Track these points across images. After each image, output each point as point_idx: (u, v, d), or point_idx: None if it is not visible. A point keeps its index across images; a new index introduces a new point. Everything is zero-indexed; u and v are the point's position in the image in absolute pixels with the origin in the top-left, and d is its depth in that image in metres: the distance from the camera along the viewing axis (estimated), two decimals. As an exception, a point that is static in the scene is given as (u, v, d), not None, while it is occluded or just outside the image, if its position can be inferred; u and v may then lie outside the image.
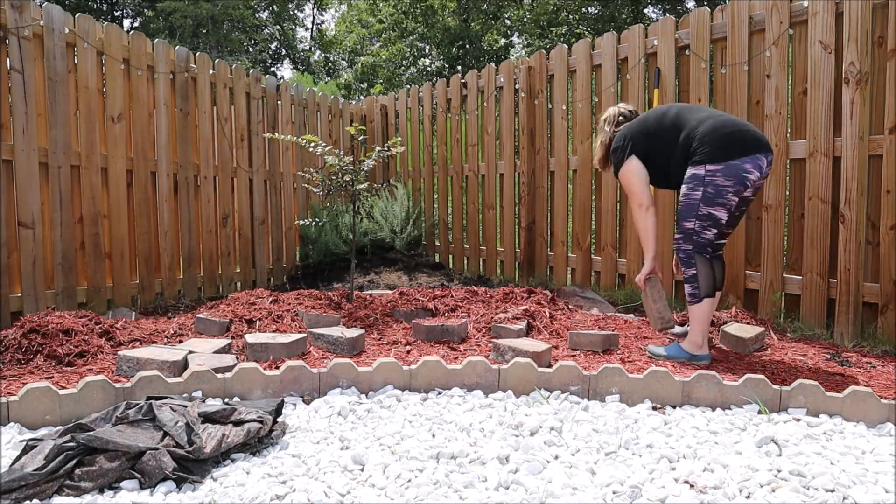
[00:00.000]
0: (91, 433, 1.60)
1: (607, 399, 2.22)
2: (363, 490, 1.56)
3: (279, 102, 5.06)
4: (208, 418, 1.78)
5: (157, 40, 4.08)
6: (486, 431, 1.92)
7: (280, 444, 1.82)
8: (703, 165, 2.56)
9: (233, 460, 1.72)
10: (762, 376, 2.18)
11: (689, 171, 2.61)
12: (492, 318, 3.10)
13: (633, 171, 2.78)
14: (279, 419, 1.95)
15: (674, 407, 2.18)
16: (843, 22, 3.03)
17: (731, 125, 2.59)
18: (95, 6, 20.55)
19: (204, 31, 18.11)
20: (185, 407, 1.79)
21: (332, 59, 22.34)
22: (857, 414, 2.05)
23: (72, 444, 1.58)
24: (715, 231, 2.60)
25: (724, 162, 2.53)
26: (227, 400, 2.14)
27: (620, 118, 2.97)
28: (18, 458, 1.58)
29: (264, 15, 21.42)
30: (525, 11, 14.39)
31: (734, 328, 2.91)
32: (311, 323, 2.99)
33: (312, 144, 3.47)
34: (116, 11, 21.57)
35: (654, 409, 2.16)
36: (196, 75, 4.33)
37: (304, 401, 2.19)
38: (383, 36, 16.23)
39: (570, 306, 3.68)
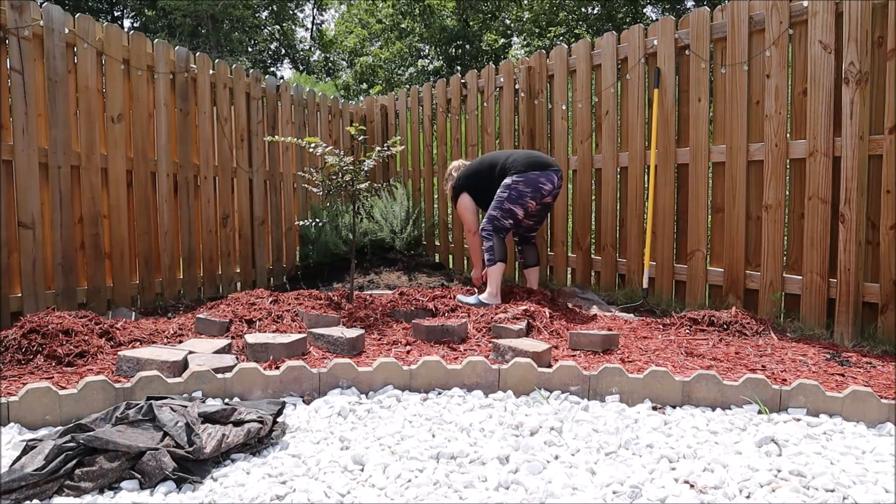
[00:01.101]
0: (91, 433, 1.60)
1: (607, 399, 2.22)
2: (363, 490, 1.56)
3: (279, 103, 5.06)
4: (208, 418, 1.78)
5: (156, 40, 4.08)
6: (486, 431, 1.92)
7: (280, 445, 1.82)
8: (511, 177, 3.72)
9: (233, 460, 1.72)
10: (762, 376, 2.18)
11: (503, 183, 3.75)
12: (492, 318, 3.10)
13: (464, 203, 4.01)
14: (279, 419, 1.95)
15: (674, 407, 2.18)
16: (843, 22, 3.03)
17: (532, 154, 3.81)
18: (95, 6, 20.55)
19: (203, 30, 18.11)
20: (185, 407, 1.78)
21: (331, 59, 22.35)
22: (857, 414, 2.05)
23: (72, 444, 1.59)
24: (510, 222, 3.72)
25: (524, 174, 3.69)
26: (227, 400, 2.14)
27: (461, 169, 4.17)
28: (18, 458, 1.58)
29: (264, 15, 21.42)
30: (524, 11, 14.39)
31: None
32: (311, 323, 2.99)
33: (312, 145, 3.47)
34: (116, 11, 21.58)
35: (654, 409, 2.16)
36: (196, 75, 4.33)
37: (304, 401, 2.19)
38: (382, 36, 16.22)
39: (570, 306, 3.68)
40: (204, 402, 2.03)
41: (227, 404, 2.01)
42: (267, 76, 4.98)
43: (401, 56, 14.83)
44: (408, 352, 2.72)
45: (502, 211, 3.67)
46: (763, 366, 2.56)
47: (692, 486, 1.58)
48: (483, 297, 3.56)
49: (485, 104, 5.08)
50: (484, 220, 3.73)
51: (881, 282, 2.99)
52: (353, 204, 3.68)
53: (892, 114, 2.93)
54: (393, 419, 2.02)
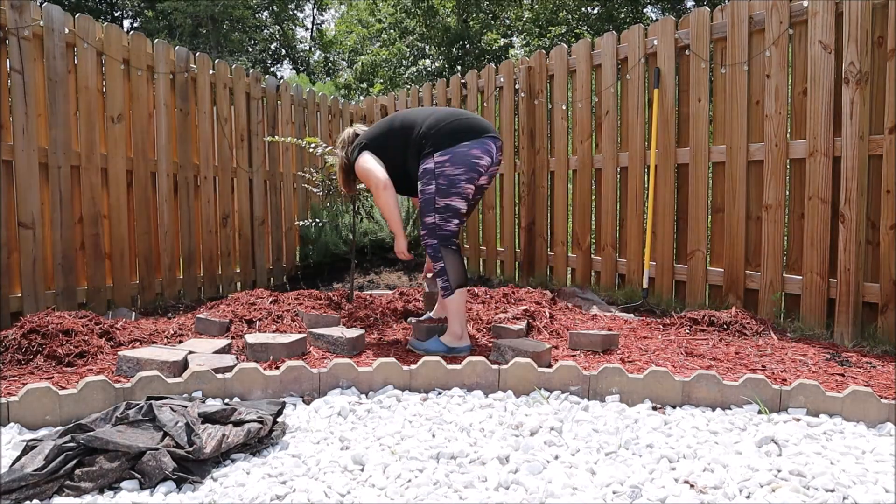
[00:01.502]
0: (91, 433, 1.60)
1: (607, 399, 2.22)
2: (363, 490, 1.56)
3: (279, 103, 5.07)
4: (208, 418, 1.78)
5: (156, 40, 4.08)
6: (486, 431, 1.92)
7: (280, 445, 1.82)
8: (431, 157, 2.63)
9: (233, 460, 1.72)
10: (762, 376, 2.18)
11: (421, 167, 2.67)
12: (492, 317, 3.10)
13: (367, 160, 2.76)
14: (279, 419, 1.95)
15: (674, 407, 2.18)
16: (843, 22, 3.03)
17: (455, 115, 2.69)
18: (95, 6, 20.55)
19: (203, 31, 18.10)
20: (185, 407, 1.78)
21: (331, 59, 22.34)
22: (857, 414, 2.05)
23: (72, 444, 1.59)
24: (457, 221, 2.66)
25: (451, 149, 2.60)
26: (227, 400, 2.14)
27: (355, 137, 2.94)
28: (18, 458, 1.58)
29: (264, 15, 21.41)
30: (524, 11, 14.39)
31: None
32: (311, 323, 2.99)
33: (312, 145, 3.47)
34: (116, 11, 21.57)
35: (654, 409, 2.16)
36: (196, 75, 4.33)
37: (304, 401, 2.19)
38: (383, 36, 16.23)
39: (570, 306, 3.68)
40: (204, 402, 2.03)
41: (227, 404, 2.01)
42: (267, 76, 4.98)
43: (401, 56, 14.84)
44: (408, 352, 2.72)
45: (439, 212, 2.64)
46: (763, 366, 2.56)
47: (692, 486, 1.58)
48: (447, 339, 2.71)
49: (485, 104, 5.08)
50: (422, 232, 2.73)
51: (881, 282, 2.99)
52: (353, 204, 3.68)
53: (892, 114, 2.93)
54: (393, 419, 2.02)
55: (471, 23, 14.49)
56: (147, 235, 4.01)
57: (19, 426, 1.90)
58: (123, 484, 1.56)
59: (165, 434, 1.67)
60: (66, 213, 3.55)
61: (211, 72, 4.45)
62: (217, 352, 2.53)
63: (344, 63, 20.60)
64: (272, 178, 4.97)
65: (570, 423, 1.99)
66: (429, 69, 14.53)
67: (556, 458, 1.74)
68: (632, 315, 3.62)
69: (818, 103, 3.17)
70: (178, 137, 4.21)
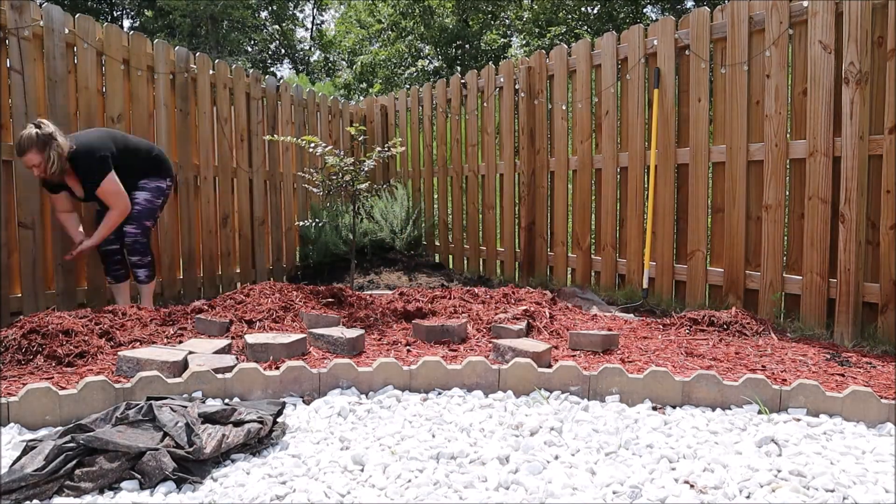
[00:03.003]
0: (91, 434, 1.60)
1: (607, 399, 2.22)
2: (363, 490, 1.56)
3: (279, 103, 5.06)
4: (208, 419, 1.77)
5: (156, 41, 4.08)
6: (486, 431, 1.92)
7: (280, 445, 1.82)
8: (163, 178, 3.58)
9: (233, 461, 1.72)
10: (762, 376, 2.18)
11: (152, 182, 3.52)
12: (492, 318, 3.10)
13: (116, 181, 3.34)
14: (279, 419, 1.95)
15: (674, 407, 2.18)
16: (843, 22, 3.03)
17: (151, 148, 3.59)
18: (94, 6, 20.55)
19: (203, 30, 18.09)
20: (185, 407, 1.78)
21: (331, 59, 22.34)
22: (857, 414, 2.05)
23: (72, 444, 1.58)
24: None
25: (168, 178, 3.63)
26: (227, 400, 2.14)
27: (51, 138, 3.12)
28: (18, 458, 1.58)
29: (264, 15, 21.42)
30: (524, 11, 14.39)
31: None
32: (311, 323, 2.99)
33: (313, 145, 3.47)
34: (116, 11, 21.58)
35: (654, 409, 2.15)
36: (196, 76, 4.33)
37: (304, 401, 2.19)
38: (382, 36, 16.23)
39: (570, 306, 3.68)
40: (204, 402, 2.03)
41: (227, 404, 2.01)
42: (267, 76, 4.98)
43: (400, 56, 14.83)
44: (408, 352, 2.72)
45: (154, 220, 3.58)
46: (763, 366, 2.56)
47: (692, 486, 1.58)
48: None
49: (485, 104, 5.08)
50: (134, 227, 3.42)
51: (881, 282, 2.99)
52: (353, 204, 3.68)
53: (892, 114, 2.93)
54: (393, 419, 2.02)
55: (470, 23, 14.49)
56: (147, 235, 4.00)
57: (19, 426, 1.90)
58: (123, 484, 1.56)
59: (165, 434, 1.67)
60: (66, 213, 3.55)
61: (211, 72, 4.45)
62: (217, 352, 2.53)
63: (343, 63, 20.60)
64: (272, 178, 4.97)
65: (570, 423, 1.99)
66: (427, 69, 14.53)
67: (556, 458, 1.74)
68: (632, 315, 3.62)
69: (818, 103, 3.17)
70: (178, 138, 4.21)
